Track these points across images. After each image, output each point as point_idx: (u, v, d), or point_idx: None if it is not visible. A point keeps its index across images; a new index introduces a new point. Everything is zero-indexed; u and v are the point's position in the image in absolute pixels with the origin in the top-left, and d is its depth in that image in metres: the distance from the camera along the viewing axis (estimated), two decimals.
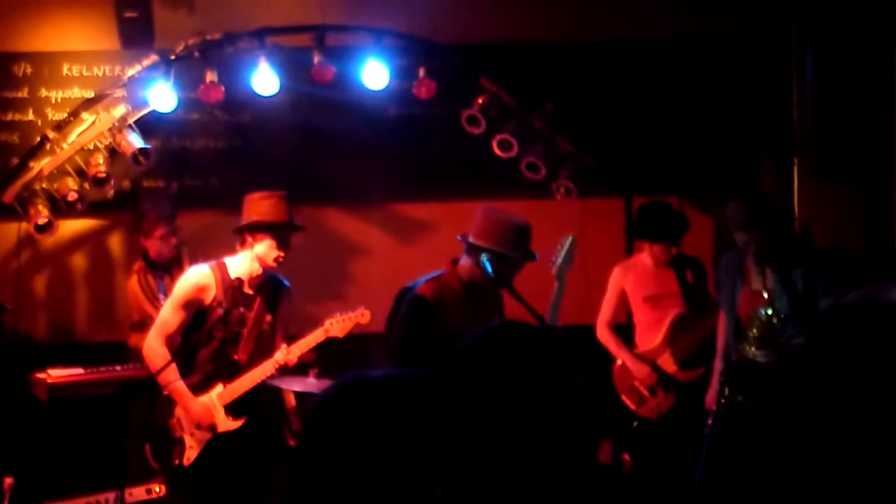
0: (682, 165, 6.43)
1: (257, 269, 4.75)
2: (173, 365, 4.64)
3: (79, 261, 6.33)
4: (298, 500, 1.68)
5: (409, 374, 1.75)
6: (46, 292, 6.32)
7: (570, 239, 4.54)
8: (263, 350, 4.83)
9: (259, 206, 4.71)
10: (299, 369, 5.35)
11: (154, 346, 4.68)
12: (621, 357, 5.65)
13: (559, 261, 4.51)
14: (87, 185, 5.91)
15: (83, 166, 5.92)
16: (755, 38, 6.31)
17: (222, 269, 4.73)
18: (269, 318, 4.84)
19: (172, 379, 4.66)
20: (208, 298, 4.69)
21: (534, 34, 6.40)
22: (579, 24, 6.44)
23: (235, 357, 4.76)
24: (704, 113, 6.42)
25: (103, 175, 5.91)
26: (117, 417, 4.98)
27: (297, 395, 5.34)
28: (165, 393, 4.72)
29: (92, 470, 5.34)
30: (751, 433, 4.54)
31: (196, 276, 4.73)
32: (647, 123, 6.41)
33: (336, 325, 4.87)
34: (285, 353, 4.74)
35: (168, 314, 4.73)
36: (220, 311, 4.67)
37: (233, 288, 4.72)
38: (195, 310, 4.70)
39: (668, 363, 5.57)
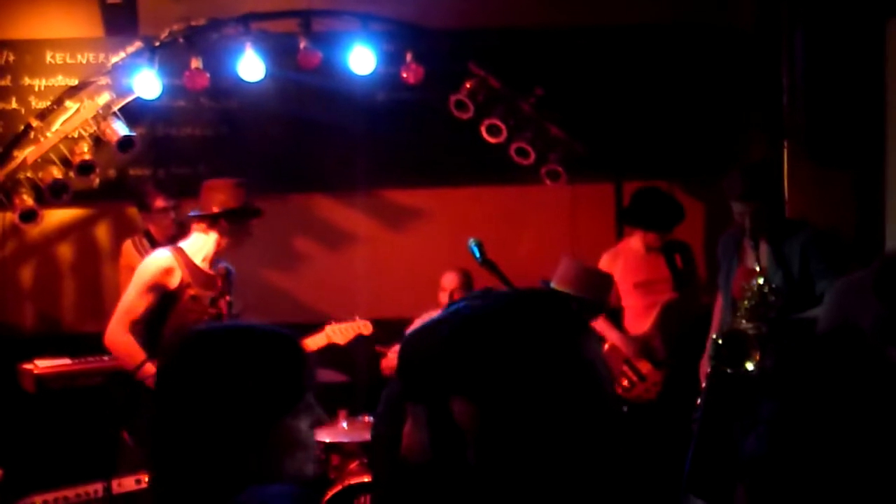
0: (672, 151, 6.41)
1: (213, 252, 4.72)
2: (143, 352, 4.54)
3: (65, 250, 6.29)
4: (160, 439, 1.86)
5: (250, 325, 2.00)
6: (32, 283, 6.27)
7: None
8: None
9: (220, 193, 4.67)
10: None
11: (122, 339, 4.57)
12: (610, 337, 5.63)
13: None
14: (71, 174, 5.85)
15: (68, 155, 5.86)
16: (745, 23, 6.28)
17: (182, 253, 4.68)
18: (228, 298, 4.78)
19: (151, 371, 4.47)
20: (174, 282, 4.62)
21: (522, 19, 6.36)
22: (568, 8, 6.40)
23: None
24: (694, 98, 6.40)
25: (88, 164, 5.86)
26: (105, 408, 4.95)
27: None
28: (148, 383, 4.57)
29: (80, 461, 5.31)
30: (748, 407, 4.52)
31: (159, 260, 4.66)
32: (637, 109, 6.38)
33: (338, 333, 4.90)
34: None
35: (133, 300, 4.60)
36: (190, 293, 4.63)
37: (199, 271, 4.68)
38: (160, 294, 4.61)
39: (658, 348, 5.56)
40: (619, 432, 1.73)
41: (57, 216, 6.18)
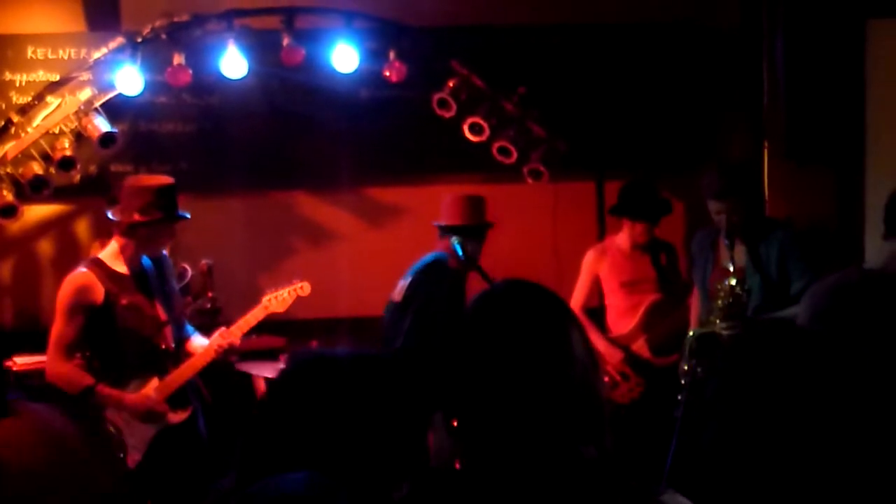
0: (653, 149, 6.43)
1: (131, 257, 4.50)
2: (87, 376, 4.42)
3: (45, 246, 6.25)
4: (252, 471, 1.72)
5: (375, 353, 1.84)
6: (11, 279, 6.24)
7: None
8: (182, 325, 4.68)
9: (139, 198, 4.41)
10: (269, 355, 5.31)
11: (61, 370, 4.42)
12: (594, 341, 5.62)
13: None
14: (52, 170, 5.82)
15: (49, 151, 5.83)
16: (730, 23, 6.31)
17: (99, 265, 4.46)
18: (169, 291, 4.64)
19: (87, 381, 4.41)
20: (99, 297, 4.39)
21: (505, 17, 6.37)
22: (552, 7, 6.42)
23: (163, 346, 4.53)
24: (676, 97, 6.42)
25: (69, 159, 5.83)
26: (84, 405, 4.92)
27: (268, 381, 5.32)
28: (94, 402, 4.43)
29: None
30: (711, 409, 4.56)
31: (75, 279, 4.43)
32: (619, 107, 6.40)
33: (276, 301, 4.79)
34: (226, 336, 4.59)
35: (61, 328, 4.41)
36: (122, 303, 4.42)
37: (121, 277, 4.46)
38: (87, 315, 4.40)
39: (642, 349, 5.57)
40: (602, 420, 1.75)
41: (37, 212, 6.15)
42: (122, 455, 4.45)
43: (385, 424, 1.77)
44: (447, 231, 5.09)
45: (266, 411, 1.82)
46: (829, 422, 1.49)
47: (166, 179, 4.56)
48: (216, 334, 4.65)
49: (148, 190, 4.45)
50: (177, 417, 4.57)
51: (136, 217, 4.40)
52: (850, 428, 1.49)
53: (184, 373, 4.56)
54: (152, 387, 4.51)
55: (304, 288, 4.87)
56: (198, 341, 4.70)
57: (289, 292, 4.83)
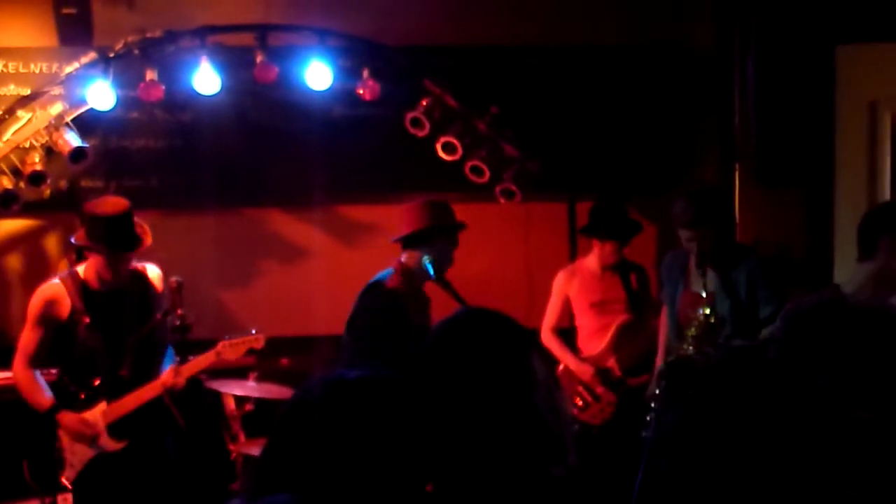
0: (625, 171, 6.47)
1: (108, 274, 4.53)
2: (43, 387, 4.50)
3: (14, 261, 6.20)
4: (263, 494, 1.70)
5: (384, 374, 1.82)
6: None
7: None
8: (153, 352, 4.67)
9: (92, 223, 4.44)
10: (239, 373, 5.29)
11: (21, 376, 4.53)
12: (564, 360, 5.65)
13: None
14: (22, 185, 5.78)
15: (18, 165, 5.79)
16: (704, 46, 6.36)
17: (75, 279, 4.50)
18: (142, 316, 4.63)
19: (46, 401, 4.50)
20: (64, 312, 4.46)
21: (479, 37, 6.40)
22: (525, 28, 6.45)
23: (120, 372, 4.55)
24: (648, 119, 6.47)
25: (40, 174, 5.79)
26: (53, 422, 4.87)
27: (237, 399, 5.29)
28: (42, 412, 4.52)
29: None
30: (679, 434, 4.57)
31: (44, 291, 4.49)
32: (591, 128, 6.43)
33: (229, 348, 4.82)
34: (174, 375, 4.60)
35: (26, 334, 4.52)
36: (86, 320, 4.46)
37: (95, 295, 4.49)
38: (53, 327, 4.47)
39: (612, 369, 5.59)
40: (566, 444, 1.75)
41: (6, 227, 6.11)
42: (59, 470, 4.49)
43: (403, 447, 1.74)
44: (411, 242, 4.67)
45: (282, 434, 1.79)
46: (779, 449, 1.50)
47: (118, 207, 4.51)
48: (168, 370, 4.65)
49: (95, 217, 4.46)
50: (112, 445, 4.56)
51: (82, 241, 4.45)
52: (795, 455, 1.50)
53: (129, 402, 4.56)
54: (99, 410, 4.52)
55: (258, 340, 4.91)
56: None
57: (243, 341, 4.87)
